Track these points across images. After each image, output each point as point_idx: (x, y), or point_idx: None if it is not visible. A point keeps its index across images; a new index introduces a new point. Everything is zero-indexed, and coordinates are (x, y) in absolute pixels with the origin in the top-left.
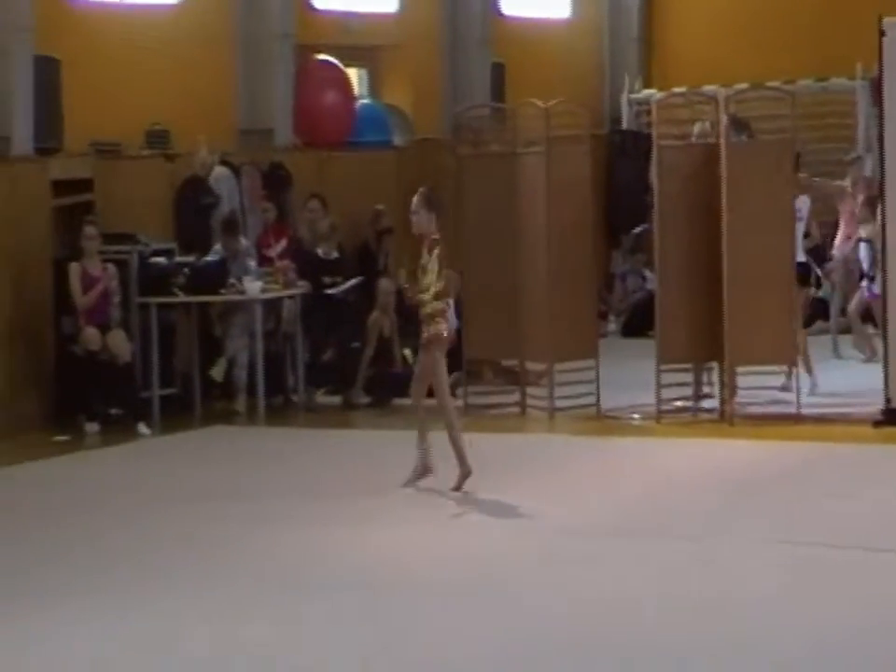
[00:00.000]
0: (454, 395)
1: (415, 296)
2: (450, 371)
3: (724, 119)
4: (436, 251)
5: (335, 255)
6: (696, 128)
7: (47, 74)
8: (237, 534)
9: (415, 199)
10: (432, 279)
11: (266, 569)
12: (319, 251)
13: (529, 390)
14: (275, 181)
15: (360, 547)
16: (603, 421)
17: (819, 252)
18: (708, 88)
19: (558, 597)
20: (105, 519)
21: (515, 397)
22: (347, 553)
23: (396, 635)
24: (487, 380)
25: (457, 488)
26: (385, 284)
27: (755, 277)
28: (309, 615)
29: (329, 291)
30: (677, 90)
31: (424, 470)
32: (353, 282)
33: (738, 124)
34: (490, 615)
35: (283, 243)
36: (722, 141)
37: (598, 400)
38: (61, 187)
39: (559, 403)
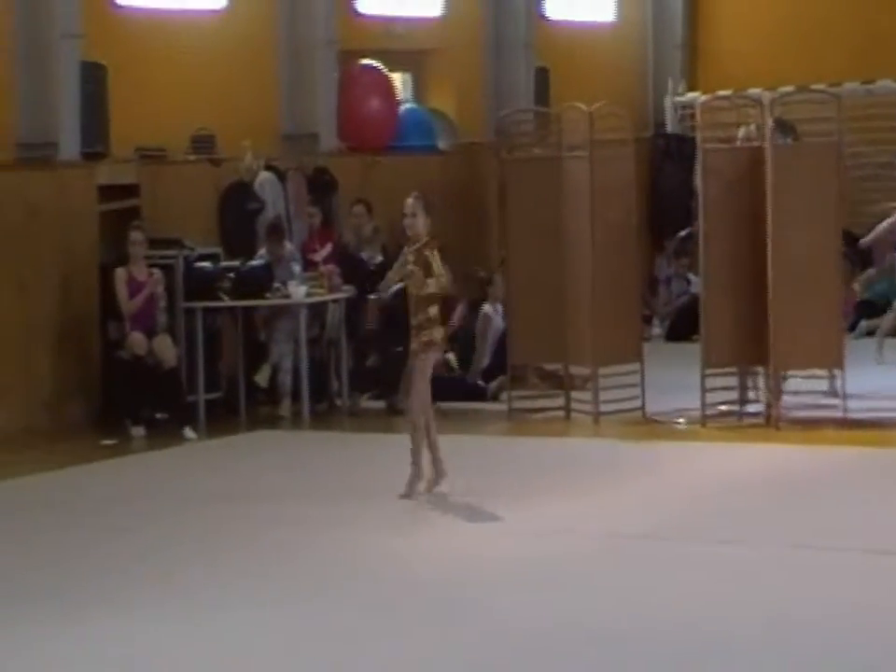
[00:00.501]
0: (497, 399)
1: (422, 292)
2: (494, 376)
3: (770, 122)
4: (436, 252)
5: (379, 258)
6: (741, 131)
7: (93, 80)
8: (293, 538)
9: (411, 202)
10: (437, 278)
11: (325, 573)
12: (364, 255)
13: (574, 394)
14: (320, 186)
15: (411, 550)
16: (648, 425)
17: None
18: (753, 91)
19: (607, 600)
20: (158, 524)
21: (560, 401)
22: (399, 556)
23: (455, 632)
24: (532, 384)
25: (407, 494)
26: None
27: (800, 281)
28: (380, 621)
29: (373, 297)
30: (721, 93)
31: (438, 476)
32: (396, 287)
33: (784, 127)
34: (542, 616)
35: (328, 247)
36: (768, 144)
37: (643, 405)
38: (107, 192)
39: (604, 407)
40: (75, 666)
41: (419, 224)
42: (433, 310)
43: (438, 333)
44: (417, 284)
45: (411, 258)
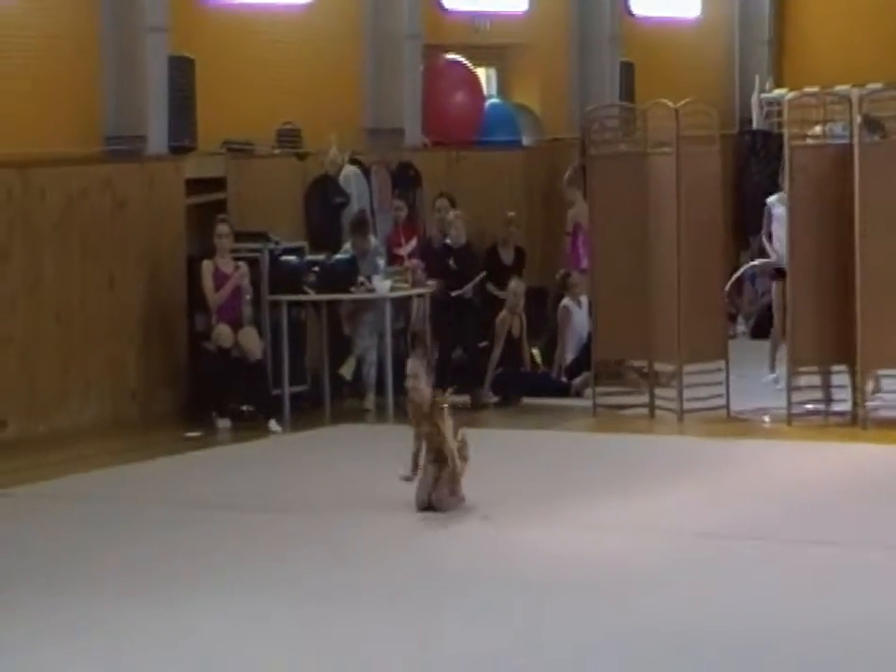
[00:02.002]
0: (580, 395)
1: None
2: (578, 372)
3: (858, 119)
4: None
5: (463, 241)
6: (817, 129)
7: (181, 73)
8: (396, 535)
9: (409, 364)
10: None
11: (418, 567)
12: (448, 240)
13: (658, 391)
14: (405, 180)
15: (503, 546)
16: (733, 423)
17: None
18: (841, 87)
19: (692, 600)
20: (245, 517)
21: (644, 398)
22: (487, 551)
23: (540, 631)
24: (630, 381)
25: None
26: (514, 284)
27: (888, 279)
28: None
29: (455, 293)
30: (808, 89)
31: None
32: (477, 279)
33: (872, 124)
34: (625, 614)
35: (413, 242)
36: (856, 141)
37: (728, 402)
38: (194, 186)
39: (688, 405)
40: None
41: (423, 391)
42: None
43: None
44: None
45: (425, 426)
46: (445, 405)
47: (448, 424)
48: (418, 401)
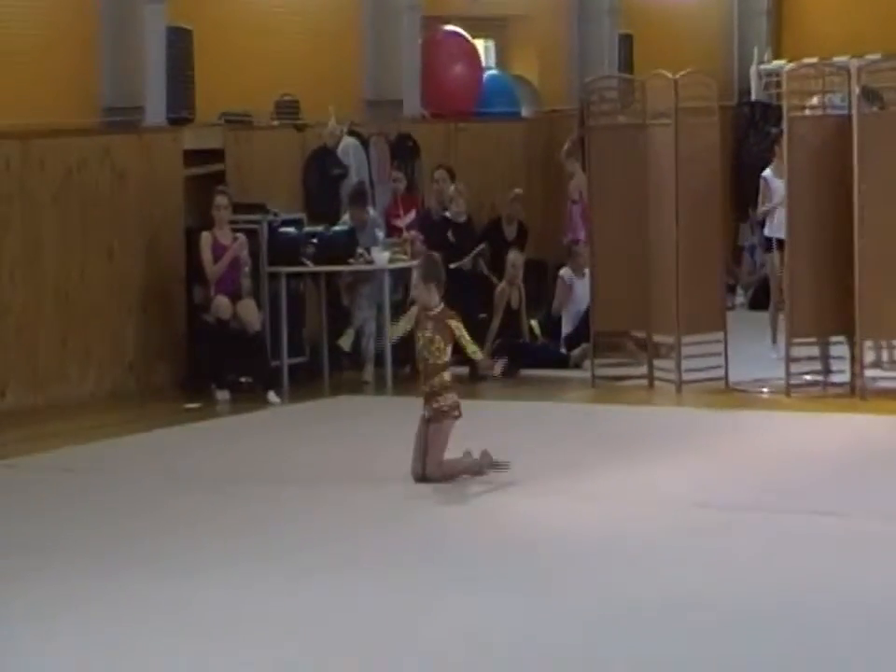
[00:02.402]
0: (579, 367)
1: (431, 370)
2: (577, 343)
3: (856, 90)
4: (459, 323)
5: (464, 218)
6: (815, 100)
7: (179, 44)
8: (396, 507)
9: (414, 275)
10: (443, 348)
11: (419, 538)
12: (447, 213)
13: (657, 363)
14: (404, 152)
15: (502, 517)
16: (731, 394)
17: None
18: (839, 59)
19: (691, 571)
20: (243, 489)
21: (643, 369)
22: (486, 522)
23: (542, 600)
24: (629, 352)
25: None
26: (513, 256)
27: (886, 249)
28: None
29: (453, 266)
30: (807, 60)
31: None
32: (476, 250)
33: (870, 95)
34: (625, 585)
35: (411, 214)
36: (854, 112)
37: (727, 374)
38: (192, 157)
39: (687, 376)
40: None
41: (426, 296)
42: (447, 375)
43: (452, 399)
44: (436, 353)
45: (429, 325)
46: (455, 320)
47: (461, 328)
48: (422, 303)
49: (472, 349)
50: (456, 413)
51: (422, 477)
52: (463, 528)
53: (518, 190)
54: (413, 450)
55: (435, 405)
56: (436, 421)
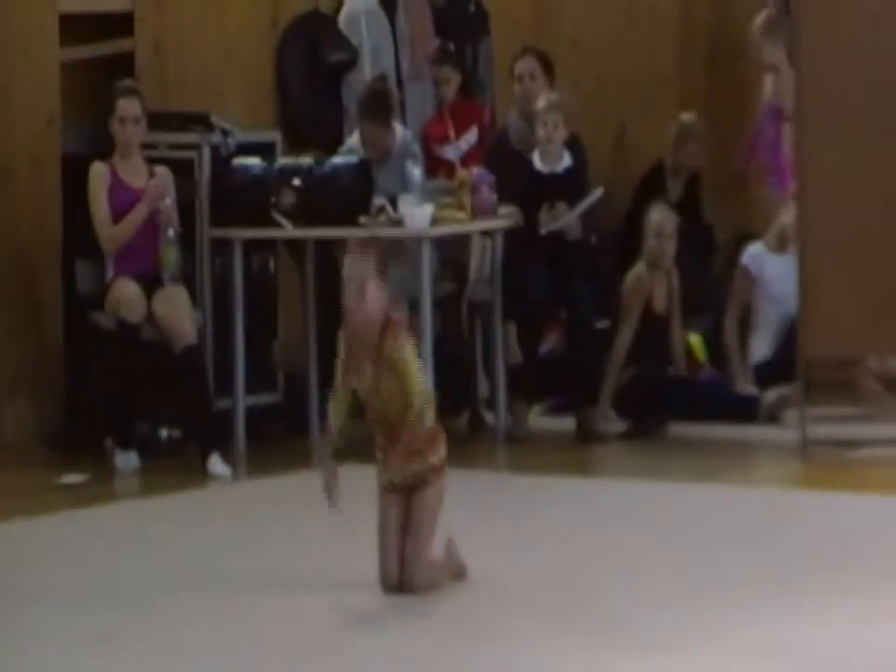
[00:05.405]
0: (777, 418)
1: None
2: (775, 379)
3: None
4: (405, 344)
5: (565, 165)
6: None
7: None
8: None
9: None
10: (414, 382)
11: None
12: (535, 159)
13: None
14: (459, 24)
15: None
16: None
17: None
18: None
19: None
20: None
21: (893, 427)
22: None
23: None
24: (868, 394)
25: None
26: (659, 216)
27: None
28: None
29: (547, 228)
30: None
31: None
32: (588, 200)
33: None
34: None
35: (471, 133)
36: None
37: None
38: (76, 26)
39: None
40: None
41: (367, 304)
42: (429, 415)
43: (443, 449)
44: (396, 410)
45: (368, 366)
46: (404, 330)
47: (413, 367)
48: (359, 327)
49: (424, 412)
50: (445, 465)
51: (400, 584)
52: None
53: (688, 116)
54: (379, 544)
55: (416, 466)
56: (423, 487)
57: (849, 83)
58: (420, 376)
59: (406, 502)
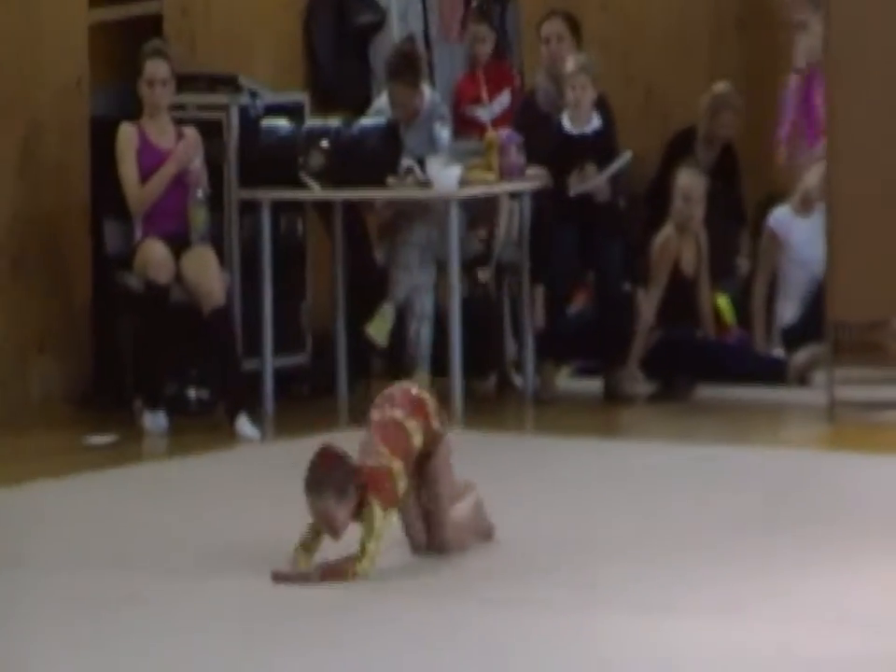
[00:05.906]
0: (805, 381)
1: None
2: (803, 341)
3: None
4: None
5: (594, 126)
6: None
7: None
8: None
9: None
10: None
11: None
12: (565, 121)
13: None
14: None
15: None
16: None
17: None
18: None
19: None
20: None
21: None
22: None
23: None
24: (894, 356)
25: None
26: (687, 178)
27: None
28: None
29: (576, 191)
30: None
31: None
32: (617, 164)
33: None
34: None
35: (504, 96)
36: None
37: None
38: None
39: None
40: None
41: (340, 529)
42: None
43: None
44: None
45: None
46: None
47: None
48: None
49: (360, 565)
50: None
51: (427, 545)
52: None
53: (724, 86)
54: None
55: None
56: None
57: (879, 40)
58: (378, 542)
59: (418, 474)
